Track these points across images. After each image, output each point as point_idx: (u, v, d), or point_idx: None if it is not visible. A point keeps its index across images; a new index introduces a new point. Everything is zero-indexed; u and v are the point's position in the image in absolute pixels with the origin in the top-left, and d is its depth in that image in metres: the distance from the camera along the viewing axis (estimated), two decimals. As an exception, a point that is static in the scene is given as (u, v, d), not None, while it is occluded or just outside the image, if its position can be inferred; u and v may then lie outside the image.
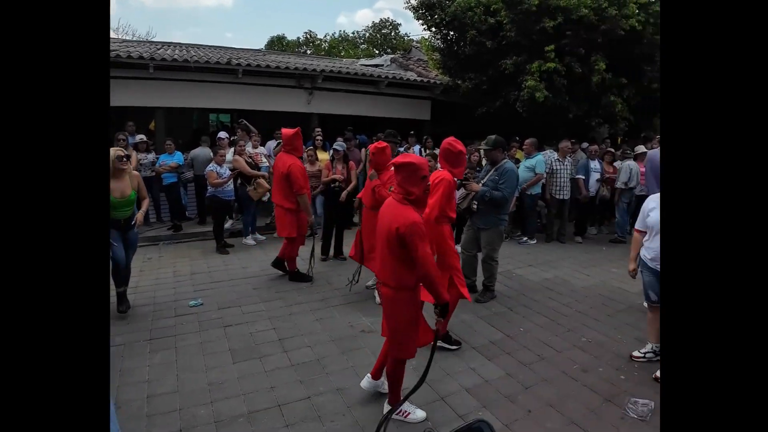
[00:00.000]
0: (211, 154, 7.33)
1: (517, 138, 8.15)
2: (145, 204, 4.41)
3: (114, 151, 4.02)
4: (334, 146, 6.43)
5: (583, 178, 7.42)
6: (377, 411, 2.93)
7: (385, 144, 4.71)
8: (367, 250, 4.74)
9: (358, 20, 62.18)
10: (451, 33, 9.76)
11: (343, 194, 6.08)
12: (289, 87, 9.81)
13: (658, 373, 3.34)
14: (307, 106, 10.04)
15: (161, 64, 8.12)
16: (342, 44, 34.60)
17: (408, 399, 2.91)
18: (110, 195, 3.84)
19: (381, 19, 41.12)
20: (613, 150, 8.13)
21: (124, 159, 4.13)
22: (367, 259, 4.75)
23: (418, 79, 11.02)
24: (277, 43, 33.50)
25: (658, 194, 3.46)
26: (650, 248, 3.40)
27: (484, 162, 4.72)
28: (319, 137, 7.63)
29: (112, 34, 20.03)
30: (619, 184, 7.38)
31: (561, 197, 7.39)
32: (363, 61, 16.23)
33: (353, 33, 36.86)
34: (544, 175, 7.24)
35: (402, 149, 7.81)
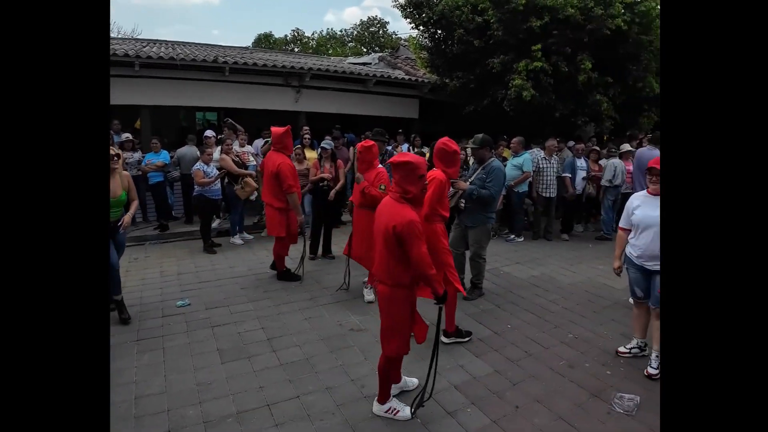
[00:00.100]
0: (198, 152, 7.27)
1: (505, 137, 8.20)
2: (134, 206, 4.31)
3: None
4: (322, 145, 6.42)
5: (570, 176, 7.51)
6: (366, 410, 2.94)
7: (371, 142, 4.75)
8: (358, 248, 4.76)
9: (346, 18, 62.09)
10: (439, 32, 9.78)
11: (332, 193, 6.07)
12: (277, 85, 9.77)
13: (649, 369, 3.39)
14: (295, 104, 10.00)
15: (147, 61, 8.03)
16: (330, 42, 34.52)
17: (395, 398, 2.93)
18: None
19: (369, 17, 41.11)
20: (598, 148, 8.22)
21: (115, 158, 4.05)
22: (358, 257, 4.76)
23: (406, 77, 11.04)
24: (265, 41, 33.32)
25: (643, 192, 3.51)
26: (636, 245, 3.44)
27: (471, 160, 4.75)
28: (307, 136, 7.60)
29: (96, 31, 19.63)
30: (603, 182, 7.48)
31: (547, 195, 7.46)
32: (351, 59, 16.21)
33: (341, 31, 36.74)
34: (531, 173, 7.31)
35: (390, 147, 7.83)
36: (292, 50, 29.98)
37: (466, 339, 3.91)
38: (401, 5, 9.82)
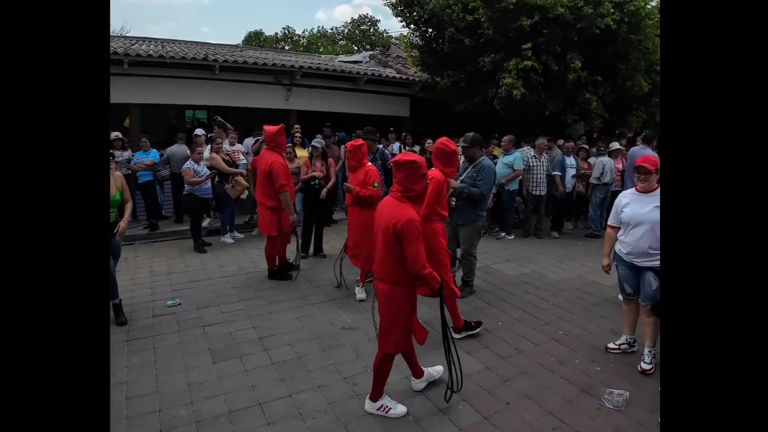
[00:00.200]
0: (188, 151, 7.22)
1: (496, 135, 8.24)
2: (129, 210, 4.17)
3: None
4: (312, 143, 6.41)
5: (560, 174, 7.56)
6: (358, 408, 2.95)
7: (361, 142, 4.79)
8: (350, 245, 4.81)
9: (336, 16, 61.92)
10: (430, 30, 9.79)
11: (323, 191, 6.06)
12: (267, 83, 9.73)
13: (642, 365, 3.42)
14: (286, 102, 9.96)
15: (136, 59, 7.96)
16: (320, 40, 34.43)
17: (388, 394, 2.95)
18: None
19: (360, 16, 40.92)
20: (587, 146, 8.29)
21: (110, 158, 4.00)
22: (351, 255, 4.79)
23: (397, 76, 11.04)
24: (255, 39, 33.15)
25: (631, 190, 3.55)
26: (625, 242, 3.48)
27: (461, 159, 4.79)
28: (297, 134, 7.58)
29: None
30: (592, 180, 7.56)
31: (537, 193, 7.52)
32: (342, 57, 16.17)
33: (332, 29, 36.71)
34: (522, 171, 7.35)
35: (381, 146, 7.83)
36: (283, 48, 29.86)
37: (477, 329, 3.97)
38: (392, 3, 9.82)
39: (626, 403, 3.02)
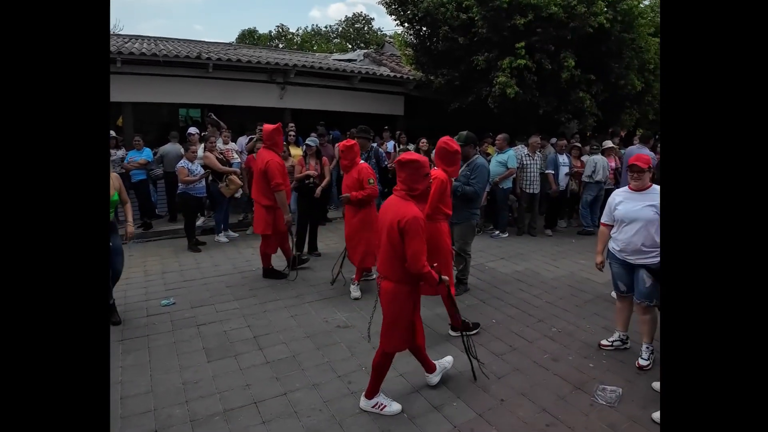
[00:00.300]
0: (182, 150, 7.20)
1: (491, 134, 8.26)
2: (131, 212, 4.18)
3: None
4: (306, 142, 6.40)
5: (553, 173, 7.60)
6: (353, 406, 2.96)
7: (353, 142, 4.83)
8: (347, 242, 4.85)
9: (331, 14, 61.92)
10: (424, 29, 9.80)
11: (318, 190, 6.06)
12: (261, 82, 9.69)
13: (640, 362, 3.45)
14: (280, 101, 9.94)
15: (129, 58, 7.91)
16: (315, 38, 34.37)
17: (383, 392, 2.96)
18: None
19: (354, 14, 41.03)
20: (579, 145, 8.33)
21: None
22: (349, 254, 4.85)
23: (392, 74, 11.04)
24: (249, 37, 33.02)
25: (624, 188, 3.58)
26: (618, 240, 3.50)
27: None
28: (292, 132, 7.57)
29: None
30: (584, 178, 7.61)
31: (531, 191, 7.55)
32: (336, 55, 16.16)
33: (326, 27, 36.62)
34: (516, 170, 7.38)
35: (375, 145, 7.84)
36: (277, 46, 29.79)
37: (474, 331, 3.98)
38: (386, 2, 9.82)
39: (619, 400, 3.05)
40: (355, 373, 3.34)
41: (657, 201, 3.26)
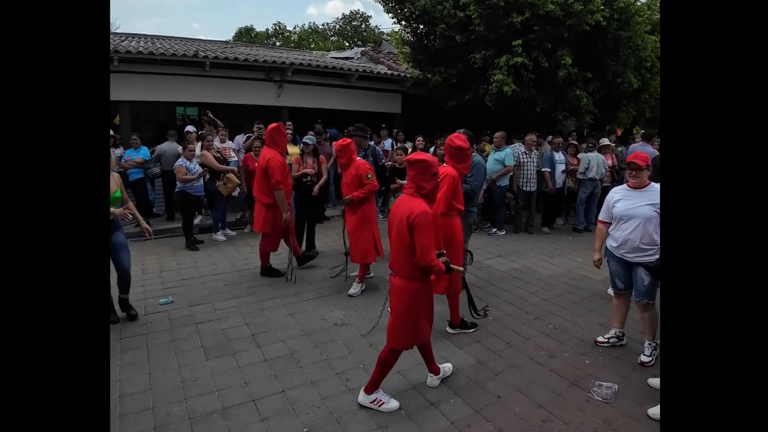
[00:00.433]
0: (179, 148, 7.19)
1: (488, 132, 8.27)
2: (135, 211, 4.32)
3: None
4: (304, 140, 6.40)
5: (549, 170, 7.63)
6: (351, 402, 2.98)
7: (348, 141, 4.84)
8: (351, 240, 4.87)
9: (328, 12, 61.70)
10: (421, 27, 9.78)
11: (316, 188, 6.07)
12: (258, 80, 9.67)
13: (642, 358, 3.48)
14: (277, 99, 9.91)
15: (126, 56, 7.88)
16: (312, 36, 34.31)
17: (382, 389, 2.97)
18: None
19: (351, 11, 40.94)
20: (576, 143, 8.35)
21: None
22: (351, 252, 4.87)
23: (389, 72, 11.03)
24: (246, 35, 32.95)
25: (623, 185, 3.60)
26: (616, 237, 3.52)
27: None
28: (289, 131, 7.56)
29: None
30: (578, 174, 7.65)
31: (528, 189, 7.58)
32: (333, 53, 16.13)
33: (323, 25, 36.59)
34: (513, 168, 7.40)
35: (372, 143, 7.85)
36: (274, 44, 29.73)
37: (471, 330, 4.01)
38: (383, 0, 9.80)
39: (615, 396, 3.08)
40: (353, 371, 3.36)
41: (655, 199, 3.28)
